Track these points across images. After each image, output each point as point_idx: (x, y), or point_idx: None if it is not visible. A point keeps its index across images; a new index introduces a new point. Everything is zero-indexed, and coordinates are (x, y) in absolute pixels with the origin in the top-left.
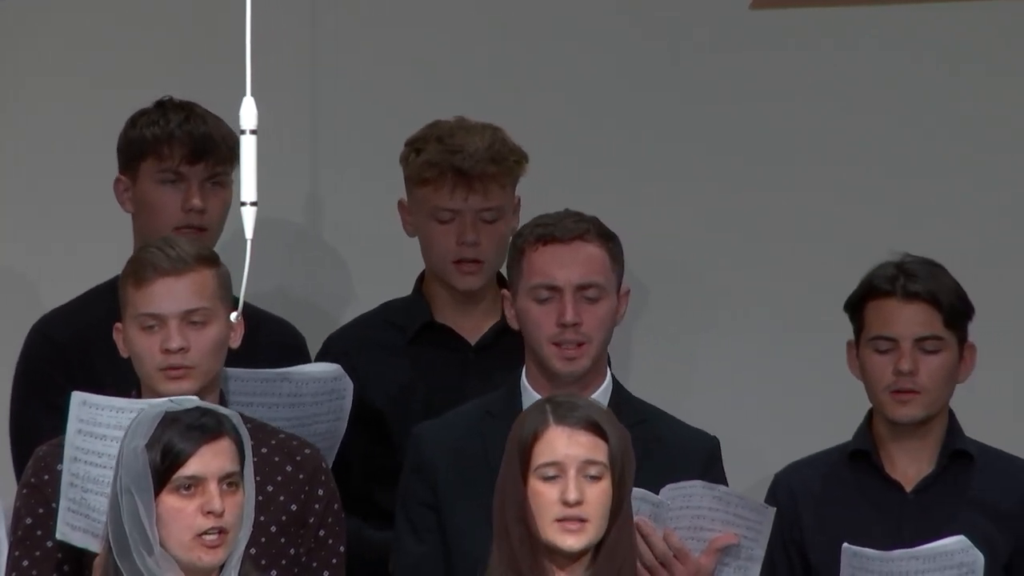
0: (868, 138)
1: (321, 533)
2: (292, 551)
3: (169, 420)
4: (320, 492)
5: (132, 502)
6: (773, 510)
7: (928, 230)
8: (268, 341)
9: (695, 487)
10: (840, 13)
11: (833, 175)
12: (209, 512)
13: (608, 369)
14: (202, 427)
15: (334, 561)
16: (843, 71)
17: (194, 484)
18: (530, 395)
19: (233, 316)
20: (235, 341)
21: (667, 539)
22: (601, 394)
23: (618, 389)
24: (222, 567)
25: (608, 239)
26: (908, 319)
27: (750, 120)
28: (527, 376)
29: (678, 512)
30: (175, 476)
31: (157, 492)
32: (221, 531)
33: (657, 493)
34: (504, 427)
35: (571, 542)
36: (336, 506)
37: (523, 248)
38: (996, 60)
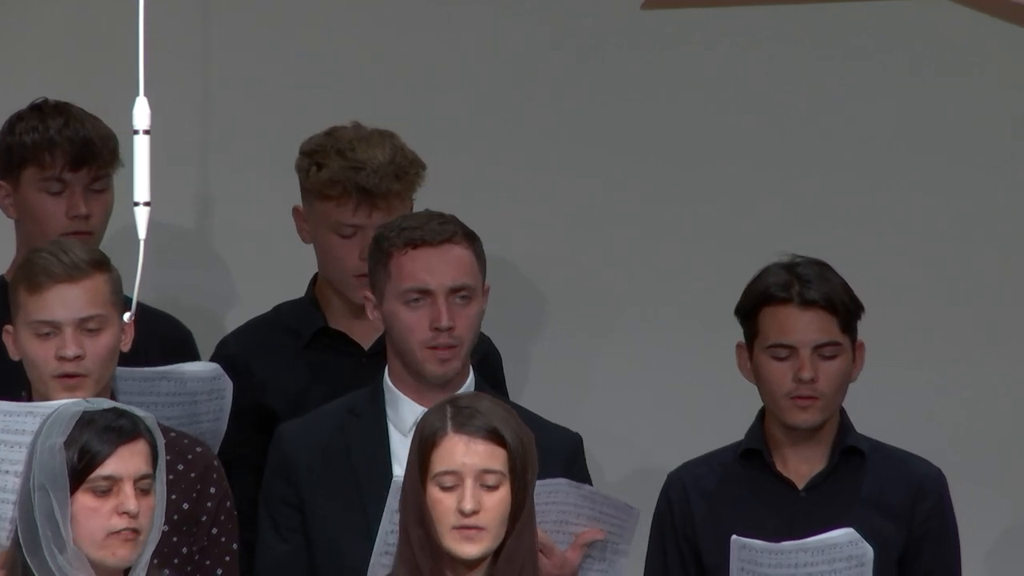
0: (760, 138)
1: (214, 531)
2: (185, 549)
3: (86, 420)
4: (212, 490)
5: (46, 499)
6: (638, 511)
7: (820, 230)
8: (153, 335)
9: (560, 484)
10: (731, 14)
11: (727, 175)
12: (124, 513)
13: (471, 367)
14: (119, 428)
15: (227, 559)
16: (734, 71)
17: (110, 485)
18: (394, 395)
19: (126, 317)
20: (126, 345)
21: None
22: (464, 391)
23: (480, 386)
24: (128, 569)
25: (473, 240)
26: (806, 327)
27: (643, 120)
28: (391, 375)
29: (544, 507)
30: (91, 476)
31: (72, 491)
32: (134, 532)
33: None
34: (367, 426)
35: (468, 549)
36: (229, 504)
37: (390, 252)
38: (887, 60)
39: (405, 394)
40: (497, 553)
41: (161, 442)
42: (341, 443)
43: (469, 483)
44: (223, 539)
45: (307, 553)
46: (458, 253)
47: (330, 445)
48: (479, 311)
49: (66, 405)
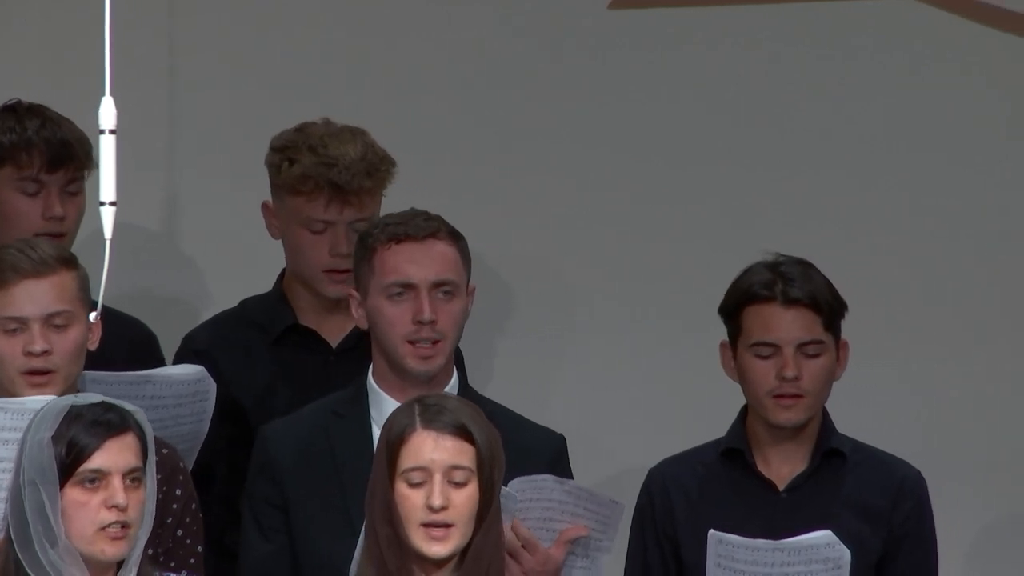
0: (728, 137)
1: (179, 533)
2: (150, 551)
3: (74, 414)
4: (178, 492)
5: (36, 494)
6: (623, 506)
7: (807, 229)
8: (121, 339)
9: (546, 480)
10: (698, 13)
11: (697, 174)
12: (113, 506)
13: (455, 368)
14: (108, 422)
15: (192, 561)
16: (703, 70)
17: (98, 478)
18: (377, 395)
19: (92, 316)
20: (93, 343)
21: (515, 530)
22: (448, 392)
23: (464, 387)
24: (121, 563)
25: (458, 238)
26: (790, 325)
27: (611, 119)
28: (375, 375)
29: (528, 504)
30: (80, 470)
31: (61, 485)
32: (124, 526)
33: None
34: (351, 427)
35: (436, 549)
36: (194, 506)
37: (374, 247)
38: (874, 60)
39: (389, 394)
40: (465, 551)
41: (151, 436)
42: (325, 444)
43: (438, 479)
44: (188, 541)
45: (290, 553)
46: (442, 249)
47: (314, 446)
48: (463, 309)
49: (55, 400)
